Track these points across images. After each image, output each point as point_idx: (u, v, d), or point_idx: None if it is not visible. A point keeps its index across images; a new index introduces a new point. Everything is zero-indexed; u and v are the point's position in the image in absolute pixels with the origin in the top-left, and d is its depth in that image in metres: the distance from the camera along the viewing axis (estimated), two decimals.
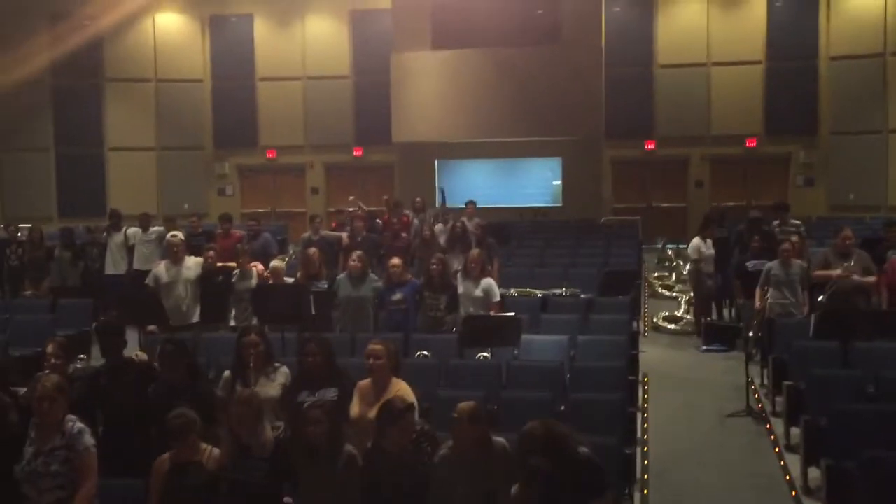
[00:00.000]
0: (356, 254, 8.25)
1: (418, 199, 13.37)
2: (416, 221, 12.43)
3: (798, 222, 11.02)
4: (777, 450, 6.89)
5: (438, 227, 11.96)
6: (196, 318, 8.39)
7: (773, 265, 8.54)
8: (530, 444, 3.97)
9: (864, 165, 17.08)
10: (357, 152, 18.75)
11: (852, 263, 8.19)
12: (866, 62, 17.06)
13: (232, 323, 8.35)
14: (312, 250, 8.79)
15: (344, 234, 11.31)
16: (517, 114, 16.27)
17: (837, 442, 5.53)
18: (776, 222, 10.88)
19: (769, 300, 8.46)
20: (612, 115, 17.01)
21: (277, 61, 18.81)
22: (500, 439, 4.44)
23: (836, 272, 8.12)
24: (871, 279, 8.22)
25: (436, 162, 18.23)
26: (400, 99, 16.91)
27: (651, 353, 9.86)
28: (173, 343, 5.49)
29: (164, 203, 18.30)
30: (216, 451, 4.54)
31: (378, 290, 8.08)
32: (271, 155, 19.04)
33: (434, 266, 8.08)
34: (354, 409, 5.13)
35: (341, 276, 8.34)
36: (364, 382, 5.24)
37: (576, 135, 16.75)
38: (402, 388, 5.15)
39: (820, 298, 8.18)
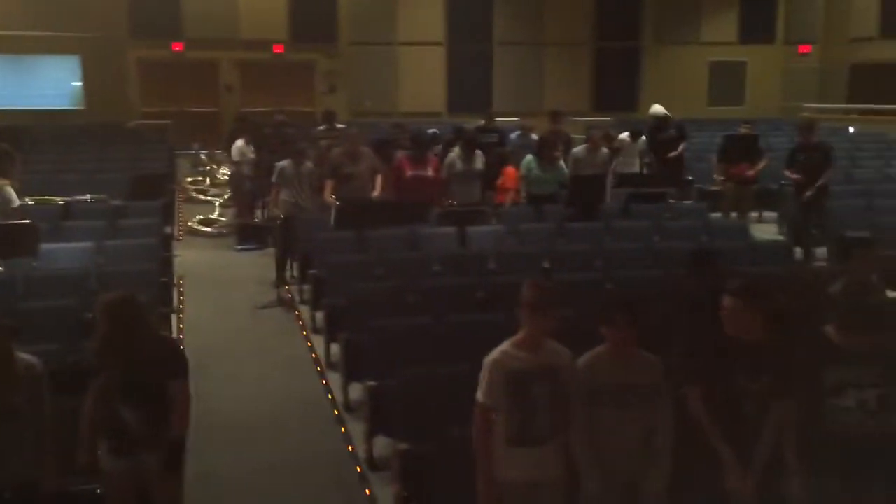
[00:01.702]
0: None
1: None
2: None
3: (343, 126, 11.72)
4: (305, 333, 7.53)
5: None
6: None
7: (286, 164, 8.85)
8: (97, 305, 3.90)
9: (379, 75, 18.74)
10: None
11: (361, 164, 8.91)
12: None
13: None
14: None
15: None
16: (26, 4, 14.48)
17: (354, 319, 6.19)
18: (323, 126, 11.56)
19: (283, 197, 8.84)
20: (136, 13, 16.06)
21: None
22: (27, 356, 4.14)
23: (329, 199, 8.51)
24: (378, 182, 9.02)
25: None
26: None
27: (187, 256, 9.90)
28: None
29: None
30: None
31: None
32: None
33: None
34: None
35: None
36: None
37: (94, 31, 15.53)
38: None
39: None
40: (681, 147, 11.26)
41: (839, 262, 7.90)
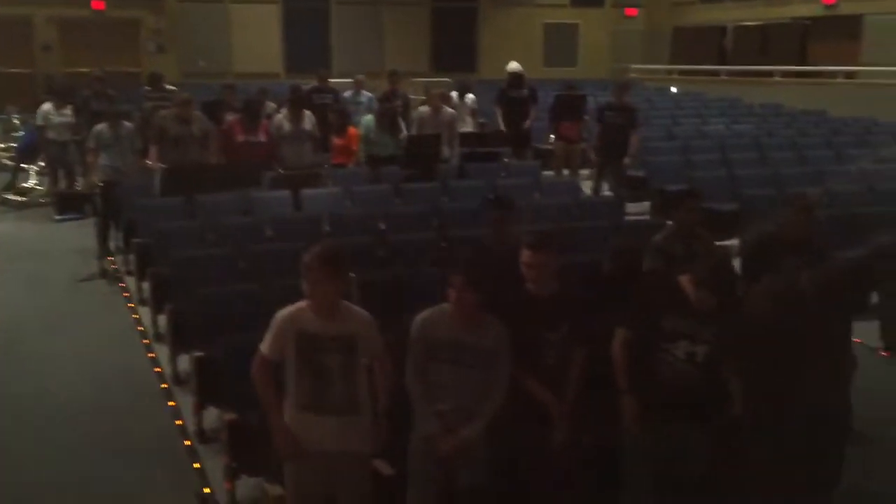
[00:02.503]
0: None
1: None
2: None
3: (174, 88, 11.09)
4: (131, 305, 7.14)
5: None
6: None
7: (102, 127, 8.43)
8: None
9: (210, 34, 17.94)
10: None
11: (192, 128, 8.45)
12: None
13: None
14: None
15: None
16: None
17: (180, 287, 5.90)
18: (148, 88, 10.86)
19: (102, 163, 8.37)
20: None
21: None
22: None
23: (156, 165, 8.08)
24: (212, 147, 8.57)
25: None
26: None
27: None
28: None
29: None
30: None
31: None
32: None
33: None
34: None
35: None
36: None
37: None
38: None
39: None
40: (531, 115, 11.18)
41: (661, 215, 8.31)
